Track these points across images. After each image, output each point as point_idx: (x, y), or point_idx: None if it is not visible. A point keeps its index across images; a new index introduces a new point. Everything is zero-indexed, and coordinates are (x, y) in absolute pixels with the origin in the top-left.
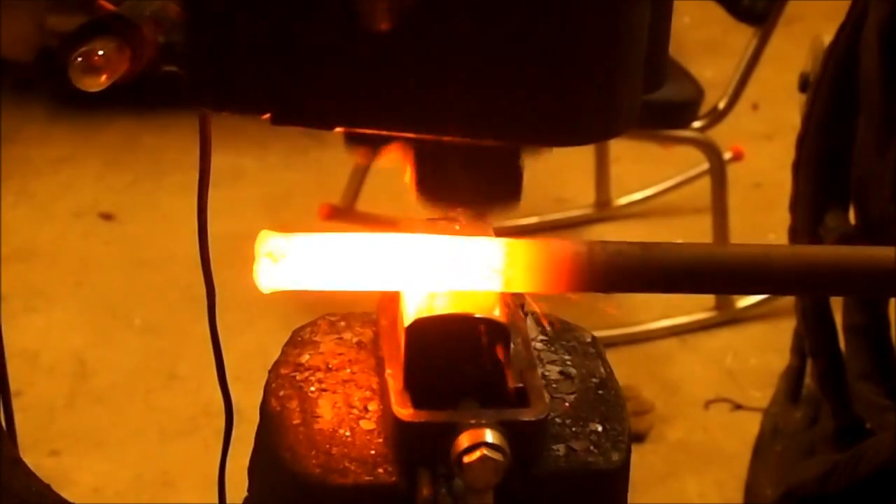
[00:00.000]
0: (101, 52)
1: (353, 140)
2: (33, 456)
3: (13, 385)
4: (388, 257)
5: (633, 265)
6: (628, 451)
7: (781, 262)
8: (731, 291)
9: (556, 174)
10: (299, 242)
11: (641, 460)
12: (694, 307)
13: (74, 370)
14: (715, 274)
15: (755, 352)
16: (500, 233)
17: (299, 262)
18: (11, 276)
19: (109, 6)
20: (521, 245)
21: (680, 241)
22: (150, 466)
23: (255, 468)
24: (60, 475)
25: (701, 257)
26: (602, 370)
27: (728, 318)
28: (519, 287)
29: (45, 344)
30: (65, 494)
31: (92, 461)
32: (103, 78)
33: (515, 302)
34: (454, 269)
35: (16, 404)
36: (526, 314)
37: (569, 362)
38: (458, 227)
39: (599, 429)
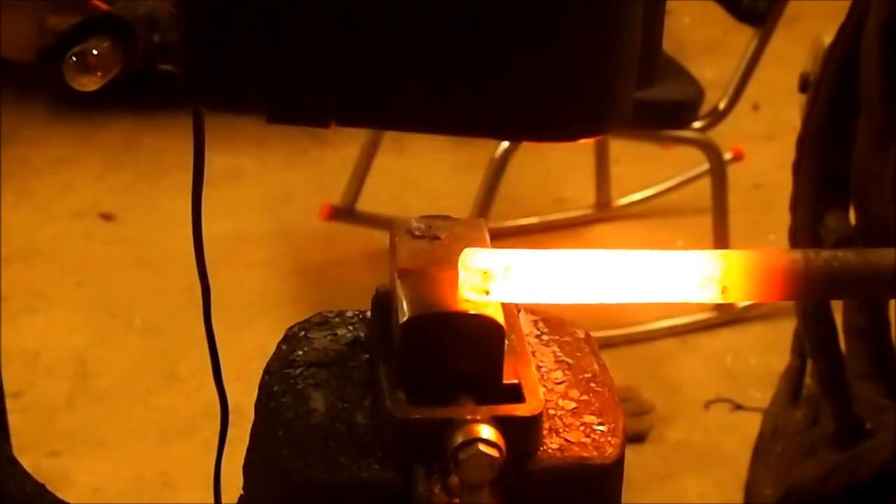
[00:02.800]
0: (95, 52)
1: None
2: (33, 456)
3: (13, 385)
4: (602, 272)
5: (849, 272)
6: (623, 446)
7: None
8: None
9: (556, 174)
10: (509, 258)
11: (641, 460)
12: (694, 307)
13: (74, 370)
14: None
15: (755, 352)
16: (499, 233)
17: (511, 280)
18: (11, 276)
19: (103, 6)
20: (736, 255)
21: (680, 241)
22: (150, 466)
23: (250, 466)
24: (60, 475)
25: None
26: (595, 365)
27: (728, 319)
28: (736, 297)
29: (45, 344)
30: (65, 494)
31: (92, 461)
32: (97, 77)
33: None
34: (671, 282)
35: (16, 404)
36: (519, 310)
37: (562, 358)
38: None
39: (594, 423)
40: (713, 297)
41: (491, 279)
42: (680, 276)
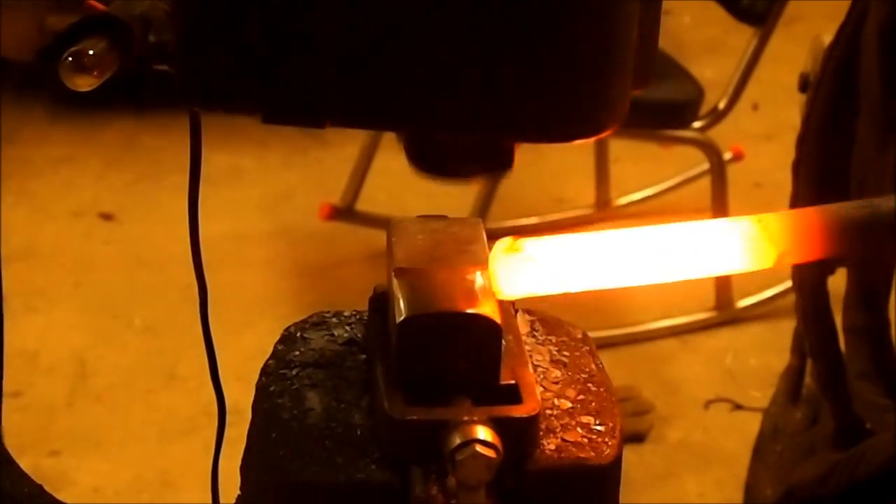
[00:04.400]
0: (91, 52)
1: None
2: (33, 456)
3: (13, 385)
4: (644, 251)
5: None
6: (620, 446)
7: None
8: None
9: (556, 174)
10: (538, 245)
11: (641, 460)
12: (694, 307)
13: (74, 370)
14: None
15: (755, 352)
16: (496, 233)
17: (543, 264)
18: (11, 276)
19: (99, 6)
20: (775, 218)
21: None
22: (150, 466)
23: (247, 466)
24: (60, 475)
25: None
26: (593, 365)
27: (728, 318)
28: (791, 260)
29: (45, 344)
30: (64, 494)
31: (92, 461)
32: (93, 77)
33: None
34: (721, 254)
35: (16, 404)
36: (516, 310)
37: (560, 357)
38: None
39: (591, 423)
40: (769, 263)
41: (524, 241)
42: (729, 245)
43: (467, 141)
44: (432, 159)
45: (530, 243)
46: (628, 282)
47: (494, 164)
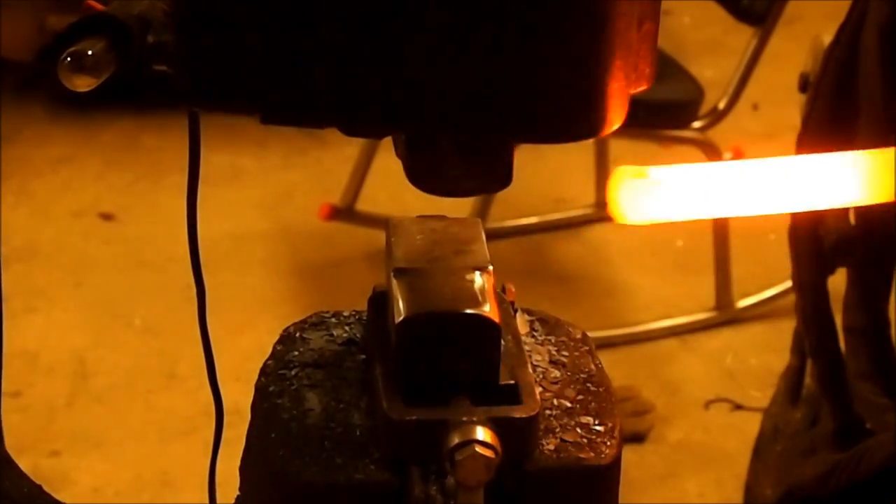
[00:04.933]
0: (90, 53)
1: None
2: (33, 456)
3: (13, 385)
4: (766, 181)
5: None
6: (620, 446)
7: None
8: None
9: (556, 174)
10: (664, 171)
11: (641, 460)
12: (694, 307)
13: (74, 370)
14: None
15: (755, 352)
16: (498, 233)
17: (670, 190)
18: (11, 276)
19: (98, 6)
20: (880, 154)
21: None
22: (150, 466)
23: (246, 467)
24: (60, 475)
25: None
26: (592, 365)
27: (728, 318)
28: (886, 196)
29: (45, 344)
30: (64, 494)
31: (92, 461)
32: (92, 78)
33: (505, 299)
34: (841, 185)
35: (16, 404)
36: (516, 310)
37: (559, 358)
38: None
39: (591, 423)
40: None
41: (647, 168)
42: (849, 177)
43: (466, 158)
44: (431, 176)
45: (655, 170)
46: (751, 210)
47: (493, 180)
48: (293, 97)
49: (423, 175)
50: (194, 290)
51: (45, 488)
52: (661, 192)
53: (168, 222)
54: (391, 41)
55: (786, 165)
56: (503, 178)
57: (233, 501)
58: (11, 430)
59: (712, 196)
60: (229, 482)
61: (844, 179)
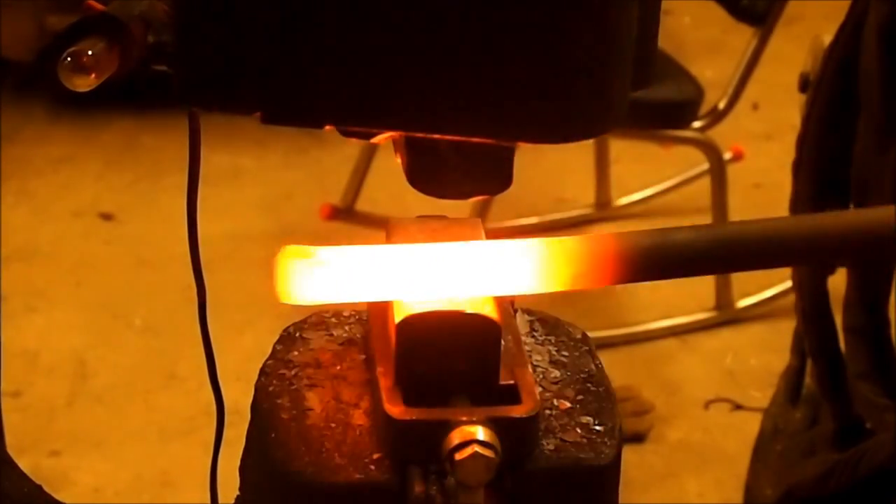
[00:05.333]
0: (90, 53)
1: (346, 132)
2: (33, 456)
3: (13, 385)
4: (431, 266)
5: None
6: (620, 446)
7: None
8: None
9: (556, 174)
10: (330, 254)
11: (641, 460)
12: (694, 307)
13: (74, 370)
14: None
15: (755, 352)
16: (496, 233)
17: (335, 271)
18: (11, 276)
19: (98, 6)
20: (556, 244)
21: None
22: (150, 466)
23: (246, 467)
24: (60, 475)
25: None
26: (592, 365)
27: (728, 318)
28: (560, 286)
29: (45, 344)
30: (64, 494)
31: (92, 461)
32: (92, 78)
33: (505, 299)
34: (492, 275)
35: (16, 404)
36: (516, 311)
37: (559, 358)
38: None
39: (590, 423)
40: (539, 287)
41: (315, 250)
42: (503, 270)
43: (466, 160)
44: (431, 178)
45: (322, 250)
46: (423, 295)
47: (493, 182)
48: (293, 97)
49: (423, 177)
50: (194, 290)
51: (45, 488)
52: (326, 274)
53: (168, 222)
54: (391, 41)
55: (461, 252)
56: (503, 179)
57: (233, 501)
58: (11, 430)
59: (381, 280)
60: (229, 482)
61: (518, 268)
